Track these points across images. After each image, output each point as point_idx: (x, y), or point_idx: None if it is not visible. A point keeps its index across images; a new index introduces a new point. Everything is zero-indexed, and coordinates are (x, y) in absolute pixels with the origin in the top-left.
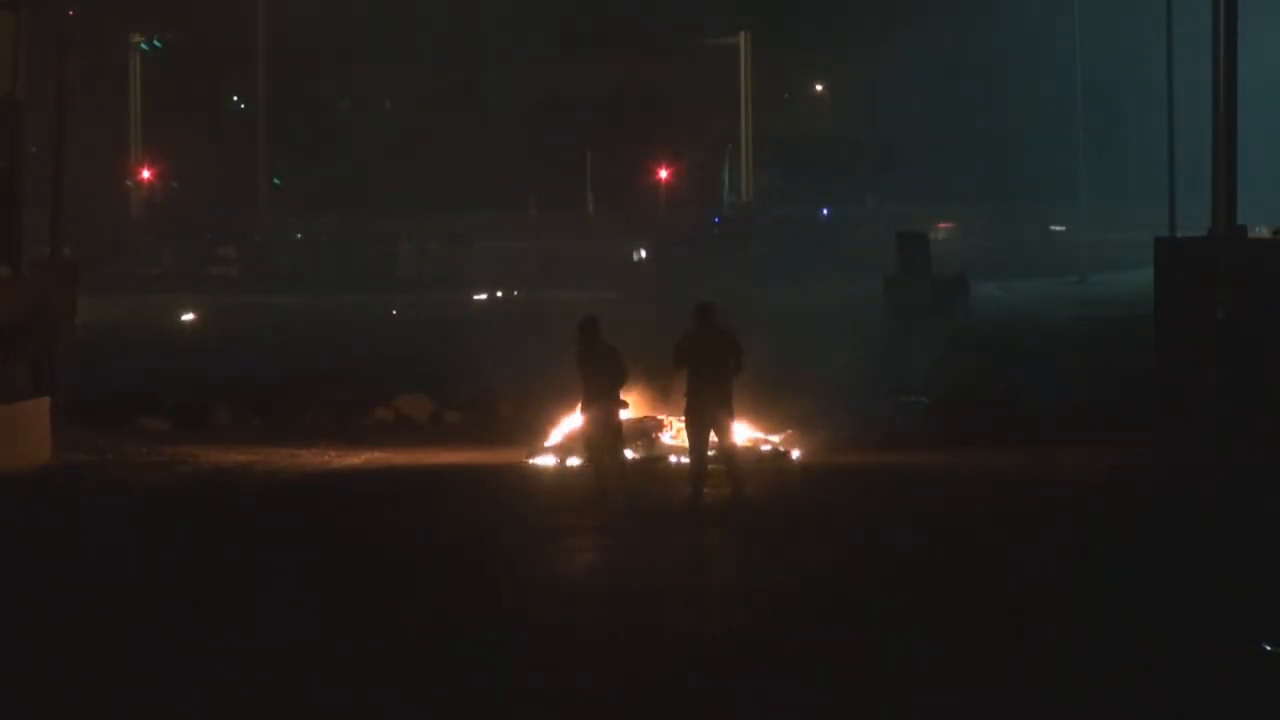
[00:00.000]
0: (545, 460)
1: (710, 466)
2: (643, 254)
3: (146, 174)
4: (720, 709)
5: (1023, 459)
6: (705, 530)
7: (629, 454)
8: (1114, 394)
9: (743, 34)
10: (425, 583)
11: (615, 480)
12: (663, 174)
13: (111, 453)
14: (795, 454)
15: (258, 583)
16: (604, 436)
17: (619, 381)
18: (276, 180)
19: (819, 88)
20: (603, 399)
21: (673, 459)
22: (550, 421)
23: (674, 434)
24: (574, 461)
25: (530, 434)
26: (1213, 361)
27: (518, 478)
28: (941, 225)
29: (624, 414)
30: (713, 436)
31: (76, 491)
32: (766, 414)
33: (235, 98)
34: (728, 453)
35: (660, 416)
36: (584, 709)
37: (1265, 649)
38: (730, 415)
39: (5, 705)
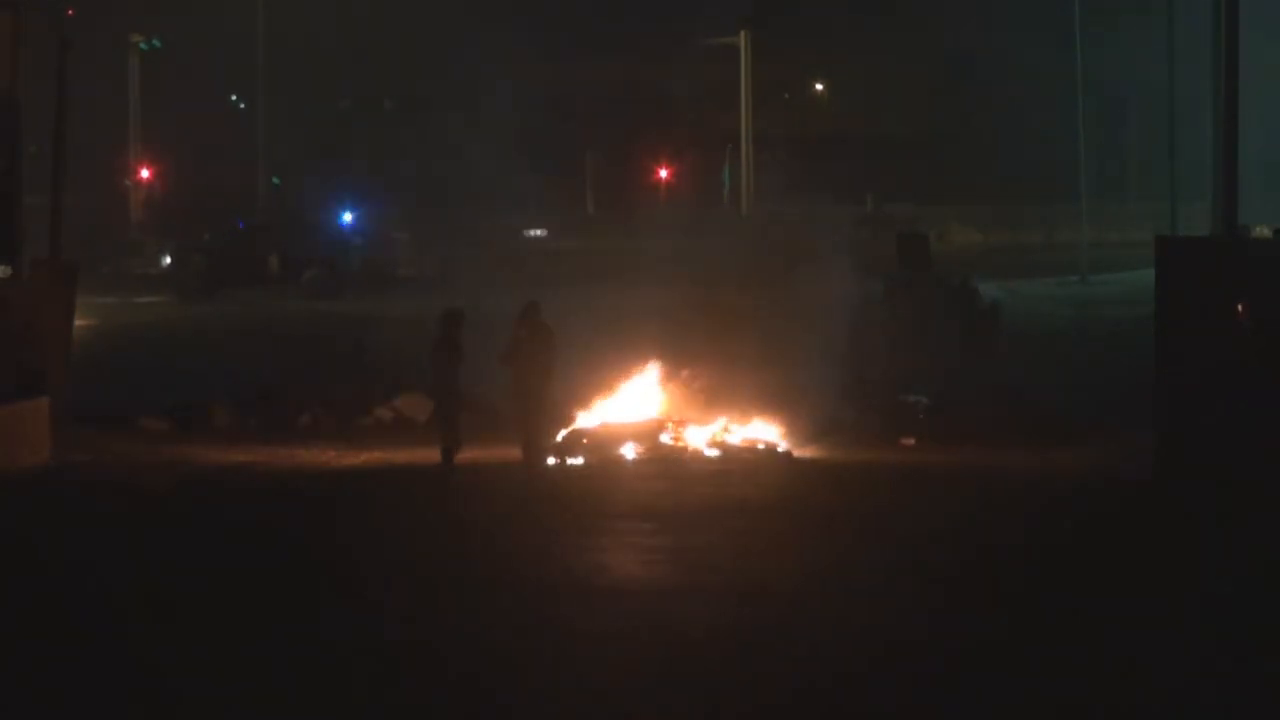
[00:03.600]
0: (546, 460)
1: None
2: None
3: (146, 174)
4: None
5: (1022, 458)
6: (710, 528)
7: (630, 453)
8: (1114, 394)
9: (743, 34)
10: (428, 583)
11: (539, 457)
12: (663, 174)
13: (111, 453)
14: (787, 449)
15: (260, 584)
16: (539, 410)
17: (553, 354)
18: (276, 180)
19: (819, 87)
20: (538, 373)
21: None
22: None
23: (673, 436)
24: (574, 460)
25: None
26: (1214, 361)
27: (518, 477)
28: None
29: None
30: (714, 445)
31: (76, 492)
32: (767, 412)
33: (235, 97)
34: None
35: (660, 417)
36: (594, 712)
37: None
38: (542, 399)
39: (5, 709)
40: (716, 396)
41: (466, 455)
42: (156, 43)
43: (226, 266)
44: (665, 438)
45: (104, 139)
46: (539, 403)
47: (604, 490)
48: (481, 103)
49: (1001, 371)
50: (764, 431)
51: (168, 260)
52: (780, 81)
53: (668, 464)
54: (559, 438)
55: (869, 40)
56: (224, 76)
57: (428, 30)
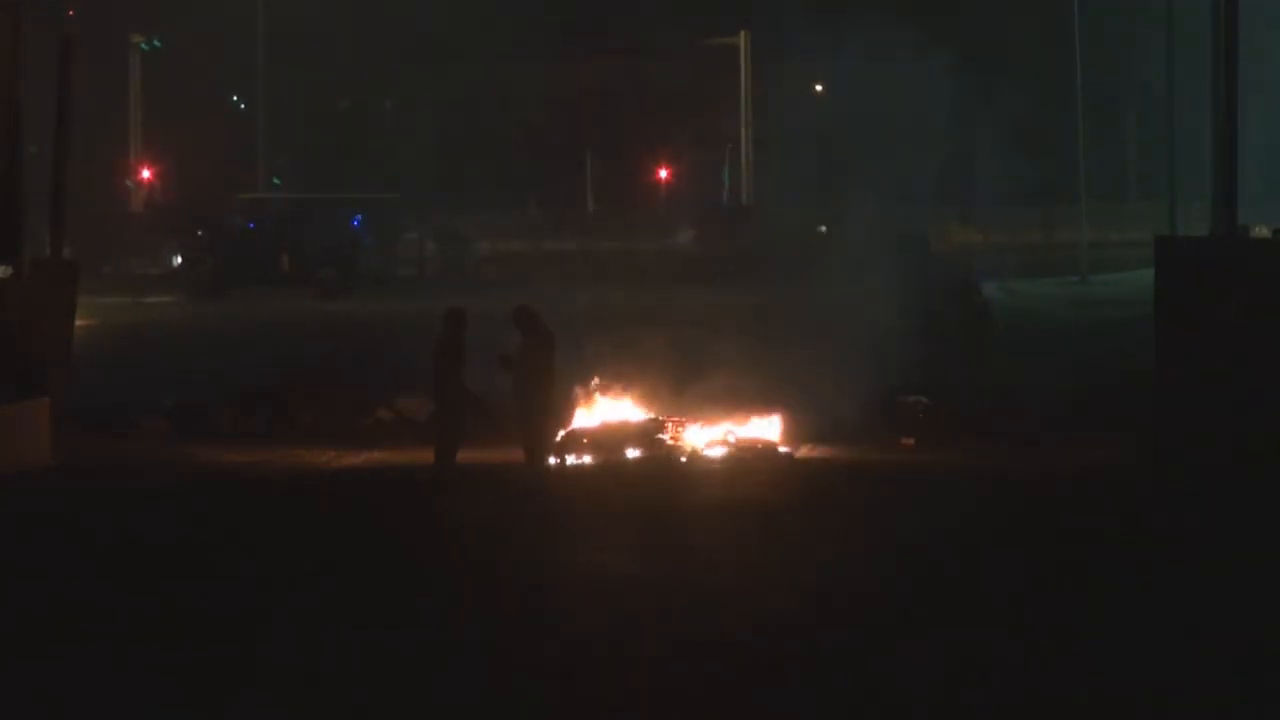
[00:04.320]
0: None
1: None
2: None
3: (146, 174)
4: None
5: (1021, 457)
6: (711, 528)
7: (630, 453)
8: (1112, 393)
9: (743, 34)
10: (430, 584)
11: (542, 458)
12: (663, 174)
13: (111, 454)
14: (787, 449)
15: (260, 584)
16: (545, 416)
17: (553, 356)
18: (276, 180)
19: (819, 88)
20: (542, 379)
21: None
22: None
23: (673, 436)
24: (574, 460)
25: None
26: (1213, 361)
27: (519, 478)
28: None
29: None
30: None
31: (77, 492)
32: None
33: (235, 97)
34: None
35: (660, 417)
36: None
37: None
38: (544, 401)
39: (4, 710)
40: (716, 395)
41: (466, 457)
42: (157, 43)
43: (237, 266)
44: (665, 437)
45: (104, 139)
46: (541, 405)
47: (604, 490)
48: (481, 102)
49: (1000, 371)
50: (764, 431)
51: (178, 260)
52: (779, 81)
53: (667, 464)
54: (558, 438)
55: (868, 40)
56: (224, 76)
57: (428, 30)
